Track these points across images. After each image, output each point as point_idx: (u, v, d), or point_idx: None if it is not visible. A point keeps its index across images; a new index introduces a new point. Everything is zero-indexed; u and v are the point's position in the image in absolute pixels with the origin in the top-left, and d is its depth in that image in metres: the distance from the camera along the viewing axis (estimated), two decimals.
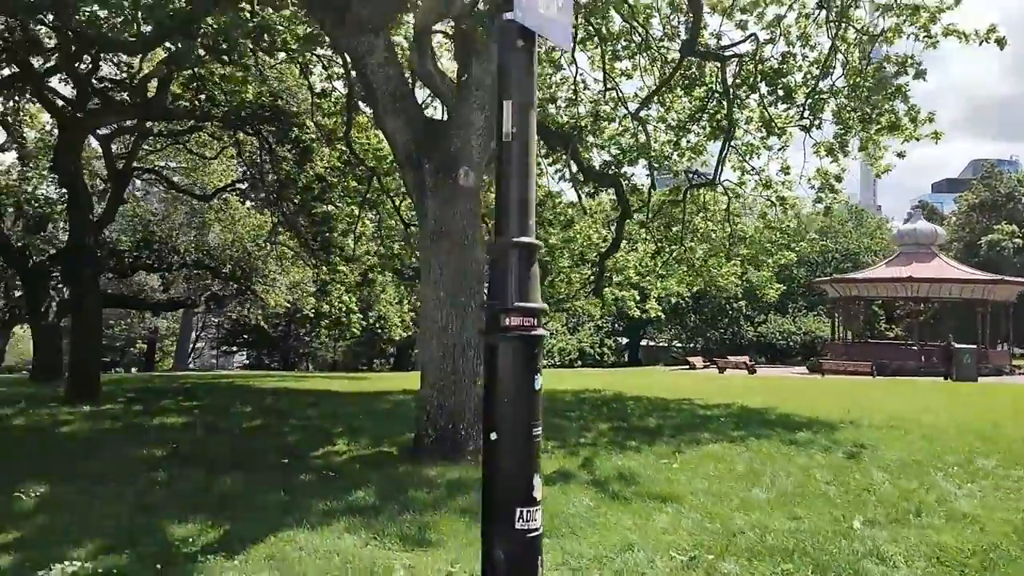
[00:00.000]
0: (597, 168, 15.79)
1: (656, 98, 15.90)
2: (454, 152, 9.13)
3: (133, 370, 52.57)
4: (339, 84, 18.97)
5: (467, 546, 5.15)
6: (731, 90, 15.11)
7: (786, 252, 18.31)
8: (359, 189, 18.46)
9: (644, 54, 16.41)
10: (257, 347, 63.89)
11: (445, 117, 10.01)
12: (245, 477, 7.71)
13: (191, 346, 62.69)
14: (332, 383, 24.53)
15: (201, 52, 13.93)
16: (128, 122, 20.19)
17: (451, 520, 5.97)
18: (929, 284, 35.25)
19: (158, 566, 4.81)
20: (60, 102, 17.63)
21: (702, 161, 17.94)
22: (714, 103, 16.65)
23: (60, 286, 25.70)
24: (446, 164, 9.09)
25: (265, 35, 14.68)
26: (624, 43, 16.24)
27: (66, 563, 4.69)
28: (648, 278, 19.42)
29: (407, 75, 10.59)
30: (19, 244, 24.12)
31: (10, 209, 25.42)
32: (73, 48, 14.70)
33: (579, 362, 56.53)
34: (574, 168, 15.34)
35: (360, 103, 16.43)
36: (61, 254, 16.11)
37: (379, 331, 38.31)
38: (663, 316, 40.85)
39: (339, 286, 20.36)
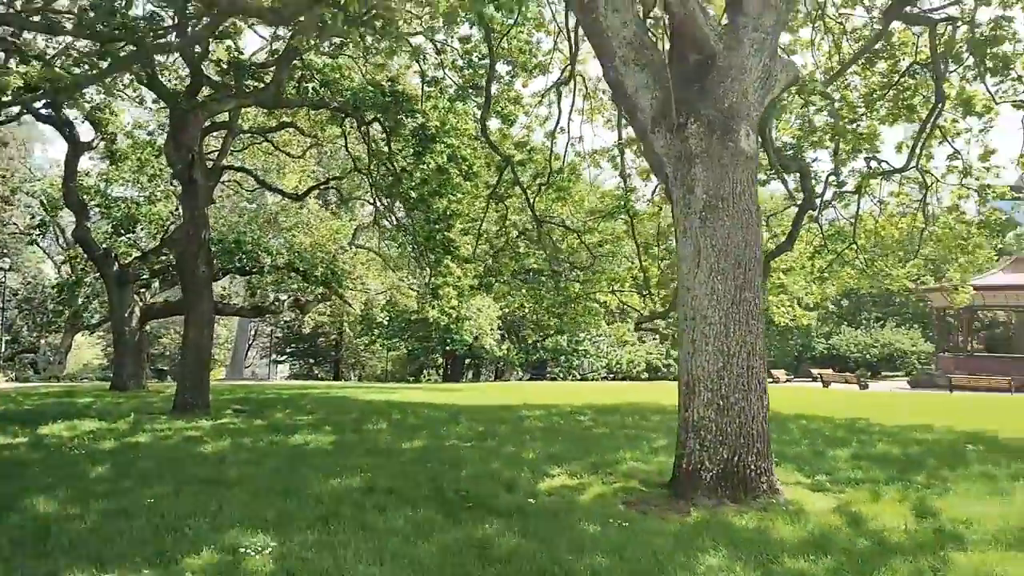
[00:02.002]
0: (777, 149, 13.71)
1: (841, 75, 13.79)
2: (729, 108, 7.19)
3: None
4: (451, 74, 17.33)
5: None
6: (941, 60, 12.94)
7: (980, 251, 16.01)
8: (487, 182, 16.64)
9: (819, 22, 14.37)
10: (306, 356, 62.89)
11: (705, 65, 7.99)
12: (500, 522, 5.82)
13: (244, 355, 61.74)
14: (423, 395, 22.80)
15: (342, 24, 12.25)
16: (225, 115, 18.76)
17: None
18: None
19: None
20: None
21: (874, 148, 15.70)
22: (903, 78, 14.50)
23: (144, 290, 24.47)
24: (721, 123, 7.14)
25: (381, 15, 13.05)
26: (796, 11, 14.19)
27: None
28: (802, 281, 17.23)
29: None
30: (103, 247, 22.94)
31: (95, 210, 24.32)
32: (201, 20, 13.20)
33: (645, 375, 54.01)
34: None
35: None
36: (174, 253, 14.61)
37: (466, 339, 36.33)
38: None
39: (451, 290, 18.52)
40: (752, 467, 6.72)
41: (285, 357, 64.93)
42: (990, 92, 13.48)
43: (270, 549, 5.00)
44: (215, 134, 21.83)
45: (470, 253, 17.88)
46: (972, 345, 38.42)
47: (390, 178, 18.81)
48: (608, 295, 18.04)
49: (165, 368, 54.85)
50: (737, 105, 7.19)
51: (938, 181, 14.73)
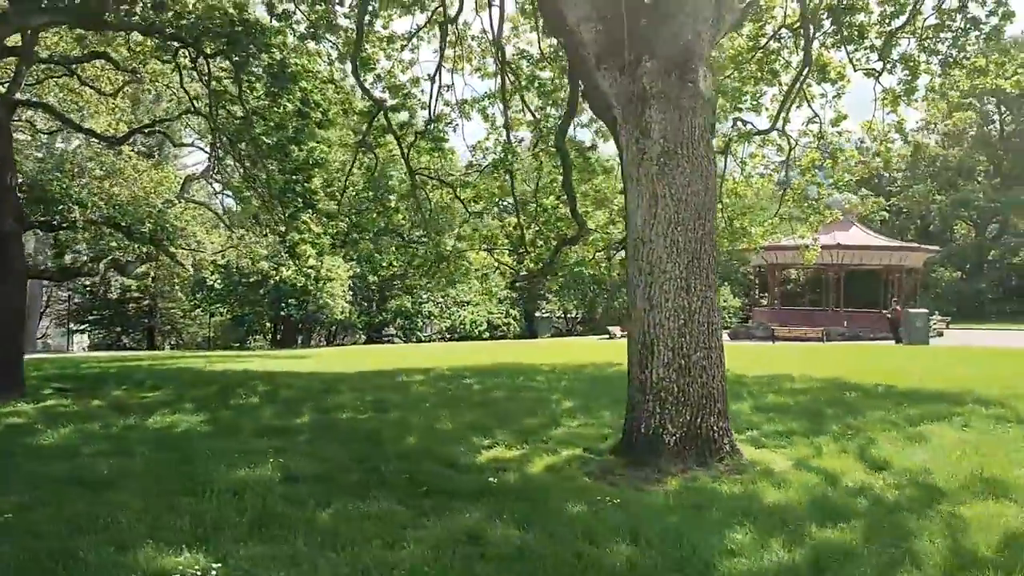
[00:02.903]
0: None
1: None
2: (685, 46, 6.68)
3: None
4: (303, 8, 15.52)
5: None
6: (809, 24, 13.42)
7: (828, 211, 17.16)
8: (356, 128, 15.10)
9: None
10: (112, 324, 56.60)
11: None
12: (474, 508, 5.05)
13: (37, 324, 54.22)
14: (272, 363, 21.03)
15: None
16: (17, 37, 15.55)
17: None
18: (854, 251, 36.23)
19: None
20: None
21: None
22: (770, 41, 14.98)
23: None
24: (679, 62, 6.63)
25: None
26: None
27: None
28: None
29: None
30: None
31: None
32: None
33: (486, 335, 54.37)
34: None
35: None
36: None
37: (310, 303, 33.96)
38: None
39: (309, 247, 16.82)
40: (715, 428, 6.43)
41: (85, 326, 57.67)
42: (850, 59, 14.23)
43: (214, 572, 3.86)
44: (3, 61, 18.17)
45: (334, 208, 16.34)
46: (780, 300, 42.38)
47: (236, 122, 16.65)
48: (478, 255, 17.36)
49: None
50: (692, 43, 6.70)
51: (795, 144, 15.54)
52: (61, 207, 18.83)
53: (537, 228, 15.92)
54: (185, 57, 17.04)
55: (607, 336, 44.48)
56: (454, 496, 5.44)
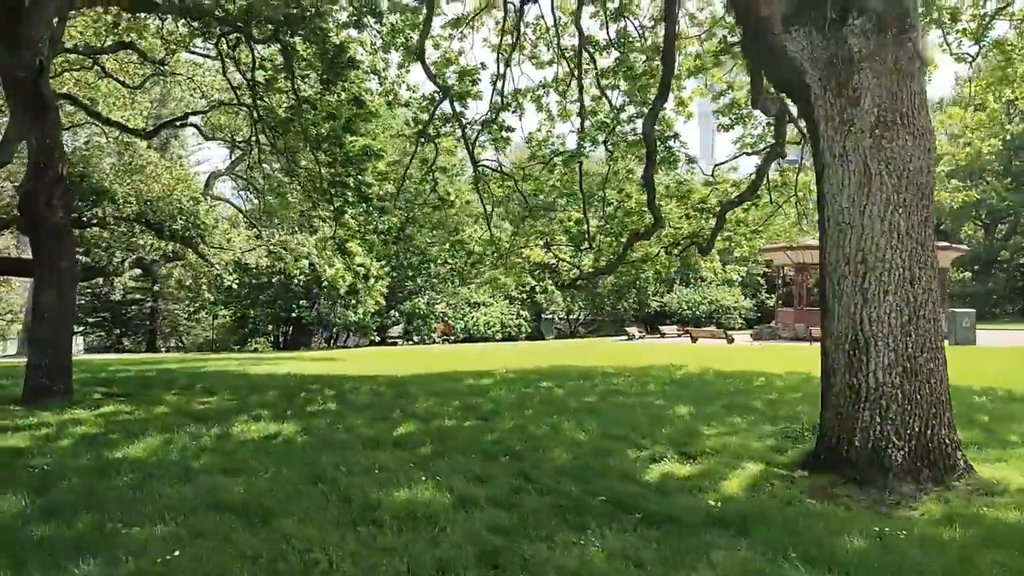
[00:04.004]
0: None
1: None
2: (902, 2, 5.83)
3: None
4: None
5: None
6: None
7: None
8: (417, 118, 14.15)
9: None
10: (113, 326, 55.41)
11: None
12: (656, 532, 4.17)
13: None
14: (303, 365, 20.02)
15: None
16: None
17: None
18: None
19: None
20: None
21: None
22: None
23: None
24: (892, 18, 5.77)
25: None
26: None
27: None
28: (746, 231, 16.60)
29: None
30: None
31: None
32: None
33: (499, 336, 53.38)
34: None
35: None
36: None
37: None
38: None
39: (361, 243, 15.87)
40: (946, 441, 5.57)
41: (85, 327, 56.40)
42: (945, 39, 13.44)
43: None
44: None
45: (388, 201, 15.41)
46: (807, 301, 41.55)
47: (281, 112, 15.73)
48: (533, 251, 16.47)
49: None
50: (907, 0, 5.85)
51: None
52: (93, 203, 17.88)
53: (602, 223, 15.06)
54: (225, 44, 16.17)
55: (626, 337, 43.64)
56: (676, 523, 4.56)
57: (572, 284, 19.77)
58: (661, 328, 43.30)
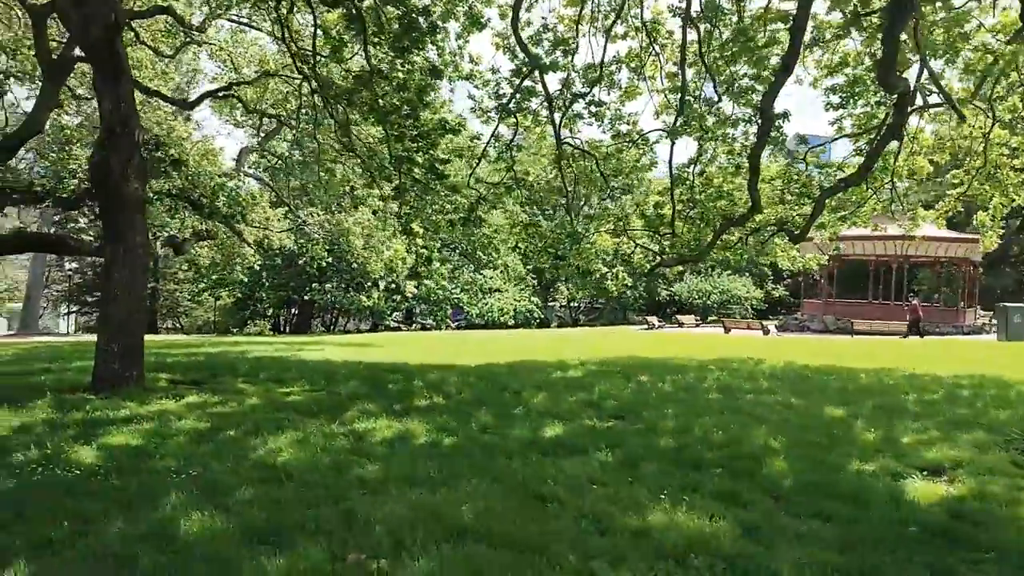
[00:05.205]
0: None
1: None
2: None
3: None
4: None
5: None
6: None
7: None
8: (496, 93, 13.12)
9: None
10: None
11: None
12: None
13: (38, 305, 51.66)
14: (345, 351, 19.06)
15: None
16: None
17: None
18: (929, 242, 34.39)
19: None
20: None
21: None
22: None
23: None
24: None
25: None
26: None
27: None
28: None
29: None
30: None
31: None
32: None
33: (511, 323, 52.50)
34: None
35: None
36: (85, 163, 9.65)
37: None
38: None
39: (426, 226, 14.90)
40: None
41: (79, 308, 54.94)
42: None
43: None
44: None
45: (462, 180, 14.41)
46: (833, 292, 40.91)
47: (343, 82, 14.68)
48: (604, 238, 15.56)
49: None
50: None
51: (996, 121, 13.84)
52: (165, 175, 16.79)
53: (681, 207, 14.13)
54: (284, 8, 15.15)
55: (646, 326, 42.88)
56: (974, 548, 3.73)
57: (652, 271, 18.81)
58: (679, 317, 42.60)
